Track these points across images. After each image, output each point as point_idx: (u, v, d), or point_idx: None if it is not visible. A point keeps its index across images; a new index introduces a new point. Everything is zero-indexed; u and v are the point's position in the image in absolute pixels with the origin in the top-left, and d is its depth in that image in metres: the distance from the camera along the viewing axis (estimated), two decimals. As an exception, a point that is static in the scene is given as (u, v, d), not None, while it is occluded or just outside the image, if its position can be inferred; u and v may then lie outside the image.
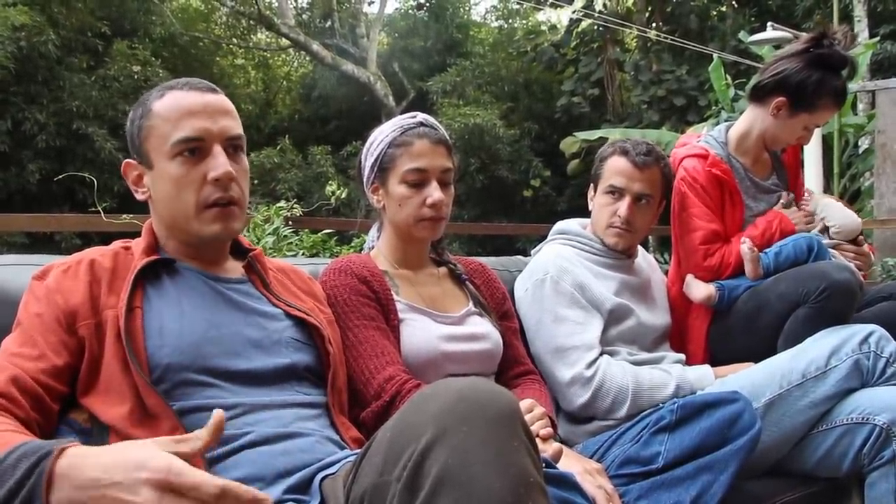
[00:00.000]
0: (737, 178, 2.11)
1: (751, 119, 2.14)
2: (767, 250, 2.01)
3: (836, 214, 2.11)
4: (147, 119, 1.24)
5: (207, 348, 1.18)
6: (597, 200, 1.96)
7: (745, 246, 1.99)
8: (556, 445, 1.35)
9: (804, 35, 2.15)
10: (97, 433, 1.14)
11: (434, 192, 1.57)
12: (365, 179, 1.66)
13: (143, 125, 1.25)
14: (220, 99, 1.27)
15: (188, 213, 1.24)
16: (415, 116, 1.63)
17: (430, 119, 1.64)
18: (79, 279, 1.19)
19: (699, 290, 2.03)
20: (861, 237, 2.14)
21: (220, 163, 1.22)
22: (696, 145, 2.15)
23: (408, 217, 1.60)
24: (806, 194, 2.23)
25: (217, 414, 0.87)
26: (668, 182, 1.97)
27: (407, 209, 1.59)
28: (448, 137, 1.63)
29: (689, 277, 2.06)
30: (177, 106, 1.23)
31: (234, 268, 1.35)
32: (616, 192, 1.90)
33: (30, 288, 1.20)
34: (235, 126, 1.27)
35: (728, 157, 2.13)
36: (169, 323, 1.18)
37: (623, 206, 1.89)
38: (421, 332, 1.55)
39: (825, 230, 2.10)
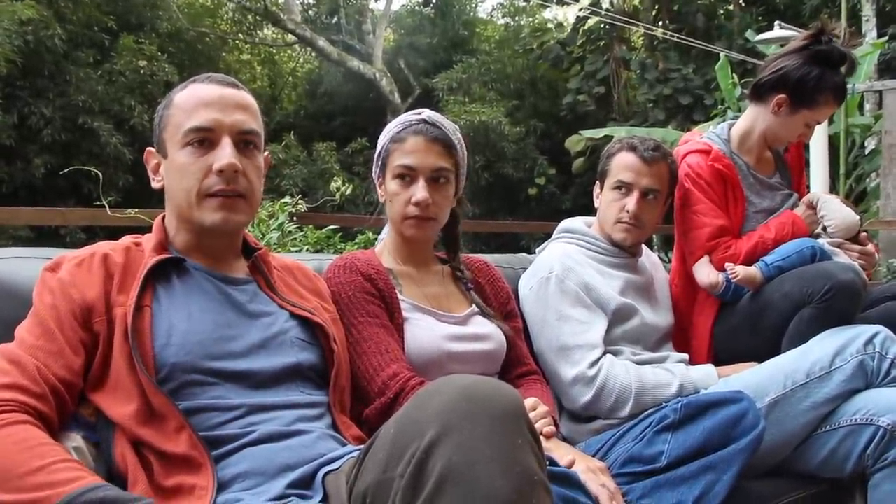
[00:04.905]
0: (739, 174, 2.10)
1: (752, 117, 2.14)
2: (770, 263, 1.97)
3: (833, 211, 2.05)
4: (168, 109, 1.28)
5: (213, 349, 1.18)
6: (604, 197, 1.96)
7: (729, 271, 1.96)
8: (569, 457, 1.36)
9: (803, 32, 2.15)
10: (102, 428, 1.15)
11: (419, 191, 1.55)
12: (374, 173, 1.67)
13: (164, 115, 1.28)
14: (239, 94, 1.29)
15: (190, 201, 1.24)
16: (420, 113, 1.62)
17: (436, 116, 1.62)
18: (93, 273, 1.19)
19: (708, 275, 2.00)
20: (865, 235, 2.10)
21: (225, 154, 1.23)
22: (699, 141, 2.15)
23: (395, 214, 1.60)
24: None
25: None
26: (674, 178, 1.97)
27: (395, 206, 1.59)
28: (449, 136, 1.60)
29: (704, 259, 2.03)
30: (193, 97, 1.26)
31: (241, 267, 1.35)
32: (624, 188, 1.90)
33: (42, 279, 1.20)
34: (250, 121, 1.27)
35: (731, 154, 2.12)
36: (177, 323, 1.18)
37: (631, 201, 1.88)
38: (425, 332, 1.55)
39: (824, 229, 2.07)
